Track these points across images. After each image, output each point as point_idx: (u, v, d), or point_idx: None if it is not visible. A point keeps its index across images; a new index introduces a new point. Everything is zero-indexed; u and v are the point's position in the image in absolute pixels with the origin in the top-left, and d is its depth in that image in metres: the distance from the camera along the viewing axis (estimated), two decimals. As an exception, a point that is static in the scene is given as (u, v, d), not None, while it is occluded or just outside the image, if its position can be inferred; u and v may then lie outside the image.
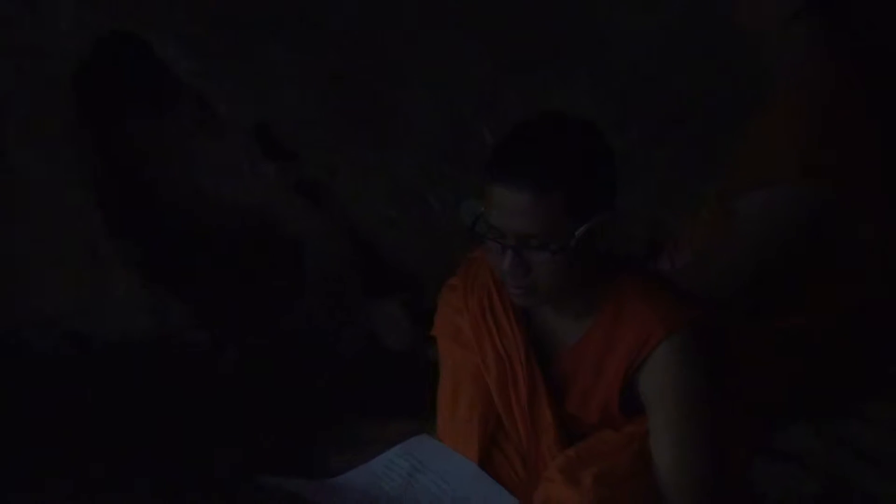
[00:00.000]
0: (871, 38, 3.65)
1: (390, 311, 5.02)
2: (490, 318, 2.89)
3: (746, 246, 3.45)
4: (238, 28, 5.14)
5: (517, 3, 4.82)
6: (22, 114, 5.35)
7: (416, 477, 2.86)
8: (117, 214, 5.36)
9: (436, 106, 5.05)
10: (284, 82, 5.19)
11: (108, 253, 5.29)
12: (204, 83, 5.25)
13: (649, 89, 4.60)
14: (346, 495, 2.83)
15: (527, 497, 2.81)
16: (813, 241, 3.41)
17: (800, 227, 3.41)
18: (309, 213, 5.31)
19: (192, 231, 5.48)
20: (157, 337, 5.21)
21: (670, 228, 3.90)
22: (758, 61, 3.72)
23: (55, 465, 4.34)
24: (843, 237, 3.42)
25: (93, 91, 5.33)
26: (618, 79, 4.67)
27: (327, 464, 3.61)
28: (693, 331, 2.78)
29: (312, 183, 5.32)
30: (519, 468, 2.85)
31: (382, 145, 5.17)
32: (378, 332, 5.04)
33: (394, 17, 4.99)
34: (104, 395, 4.85)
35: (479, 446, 2.86)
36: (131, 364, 5.10)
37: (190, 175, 5.48)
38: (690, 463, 2.78)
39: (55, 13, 5.22)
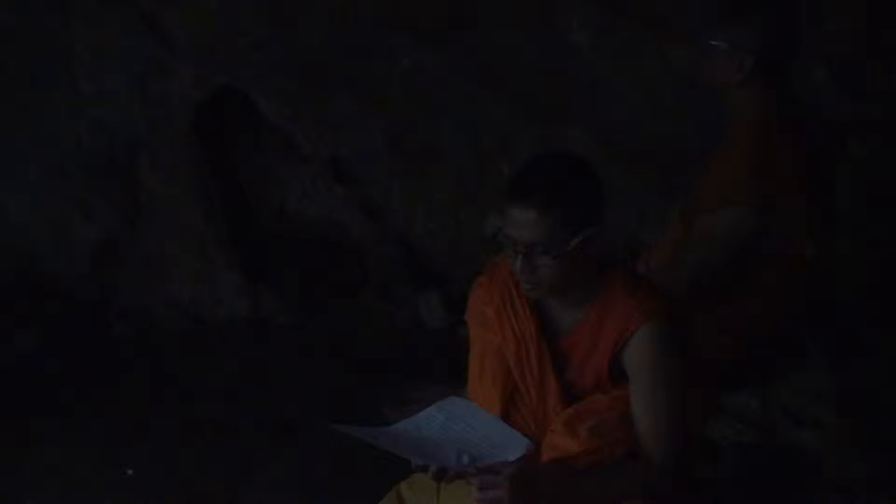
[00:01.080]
0: (797, 96, 3.63)
1: (430, 300, 5.02)
2: (509, 308, 2.90)
3: (701, 254, 3.47)
4: (317, 84, 5.16)
5: (528, 70, 4.82)
6: (154, 149, 5.36)
7: (449, 425, 2.85)
8: (224, 226, 5.38)
9: (466, 145, 5.07)
10: (352, 126, 5.21)
11: (217, 255, 5.30)
12: (291, 125, 5.27)
13: (628, 134, 4.59)
14: (396, 439, 2.82)
15: (536, 446, 2.81)
16: (750, 249, 3.43)
17: (741, 241, 3.43)
18: (368, 226, 5.31)
19: (281, 238, 5.49)
20: (253, 318, 5.23)
21: (644, 240, 3.88)
22: (714, 112, 3.70)
23: (171, 408, 4.42)
24: (771, 244, 3.43)
25: (207, 131, 5.35)
26: (604, 126, 4.66)
27: (383, 416, 3.60)
28: (664, 318, 2.79)
29: (371, 202, 5.32)
30: (531, 423, 2.84)
31: (424, 174, 5.18)
32: (421, 316, 5.03)
33: (436, 80, 5.00)
34: (213, 358, 4.90)
35: (501, 406, 2.86)
36: (233, 337, 5.13)
37: (279, 196, 5.49)
38: (662, 418, 2.79)
39: (180, 72, 5.24)
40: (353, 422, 2.91)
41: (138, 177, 5.43)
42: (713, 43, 3.52)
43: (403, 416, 2.98)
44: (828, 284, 3.62)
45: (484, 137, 5.04)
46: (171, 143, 5.36)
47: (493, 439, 2.80)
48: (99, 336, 5.14)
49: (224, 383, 4.61)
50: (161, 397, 4.53)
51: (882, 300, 3.92)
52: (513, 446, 2.78)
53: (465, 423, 2.85)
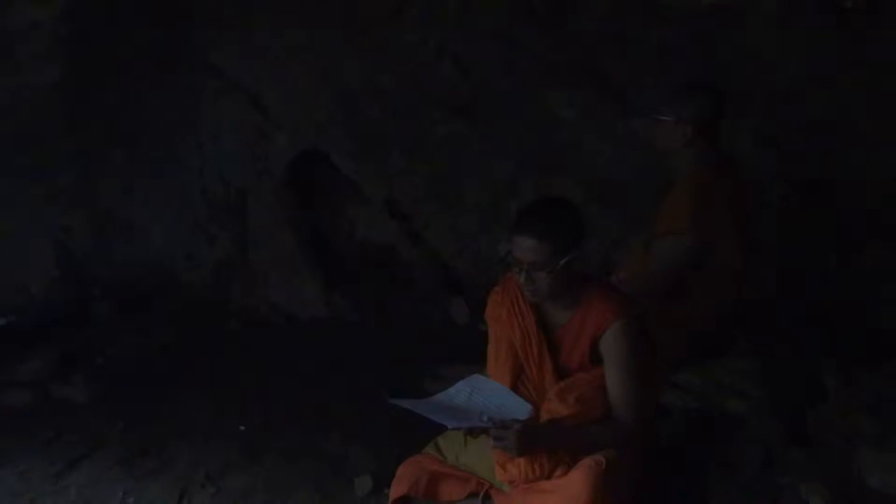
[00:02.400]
0: (727, 153, 3.63)
1: (459, 303, 5.01)
2: (517, 310, 2.92)
3: (657, 270, 3.48)
4: (376, 147, 5.18)
5: (530, 136, 4.83)
6: (258, 193, 5.39)
7: (473, 396, 2.86)
8: (309, 250, 5.39)
9: (484, 190, 5.08)
10: (401, 176, 5.22)
11: (303, 270, 5.30)
12: (357, 175, 5.28)
13: (603, 183, 4.59)
14: (434, 407, 2.83)
15: (537, 410, 2.82)
16: (693, 266, 3.42)
17: (686, 259, 3.44)
18: (412, 249, 5.31)
19: (349, 258, 5.50)
20: (329, 316, 5.23)
21: (614, 260, 3.88)
22: (666, 167, 3.71)
23: (270, 380, 4.42)
24: (710, 262, 3.43)
25: (297, 181, 5.38)
26: (586, 177, 4.66)
27: (424, 390, 3.61)
28: (630, 317, 2.82)
29: (415, 232, 5.33)
30: (532, 393, 2.85)
31: (453, 212, 5.18)
32: (451, 316, 5.02)
33: (462, 143, 5.01)
34: (301, 345, 4.88)
35: (511, 381, 2.88)
36: (315, 329, 5.12)
37: (349, 227, 5.51)
38: (629, 390, 2.80)
39: (277, 139, 5.27)
40: (404, 394, 2.94)
41: (247, 213, 5.46)
42: (663, 117, 3.53)
43: (439, 389, 3.01)
44: (751, 291, 3.60)
45: (497, 184, 5.04)
46: (271, 190, 5.38)
47: (505, 405, 2.82)
48: (218, 329, 5.16)
49: (308, 363, 4.59)
50: (264, 372, 4.53)
51: (790, 302, 3.90)
52: (519, 410, 2.80)
53: (484, 393, 2.87)
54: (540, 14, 4.56)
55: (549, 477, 2.79)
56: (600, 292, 2.88)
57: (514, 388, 2.87)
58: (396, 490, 2.94)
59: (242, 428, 3.92)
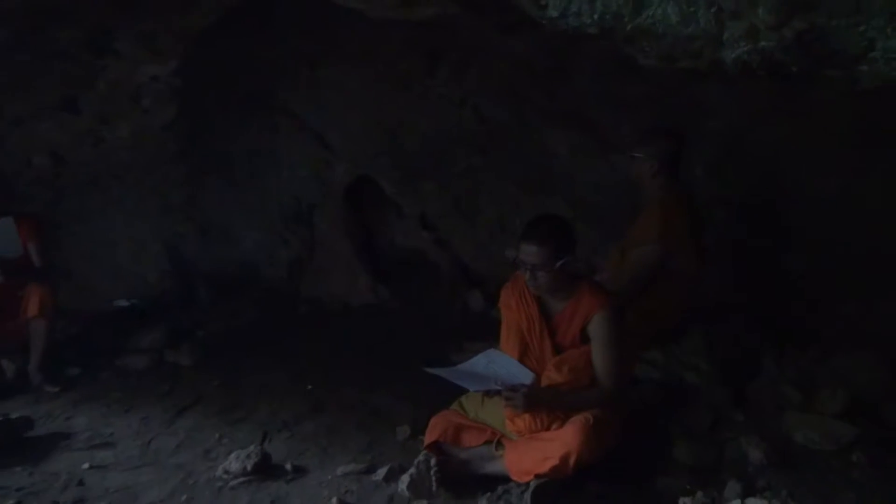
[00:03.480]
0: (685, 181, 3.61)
1: (475, 294, 5.00)
2: (523, 300, 2.92)
3: (631, 272, 3.46)
4: (413, 174, 5.18)
5: (531, 167, 4.82)
6: (323, 209, 5.40)
7: (489, 366, 2.85)
8: (361, 252, 5.39)
9: (495, 208, 5.08)
10: (431, 197, 5.22)
11: (356, 268, 5.30)
12: (398, 197, 5.30)
13: (589, 204, 4.57)
14: (459, 374, 2.83)
15: (538, 377, 2.81)
16: (659, 268, 3.40)
17: (655, 263, 3.42)
18: (440, 253, 5.30)
19: (392, 259, 5.49)
20: (376, 304, 5.21)
21: (594, 263, 3.86)
22: (637, 193, 3.69)
23: (332, 352, 4.38)
24: (672, 266, 3.40)
25: (352, 199, 5.38)
26: (575, 199, 4.64)
27: (450, 360, 3.59)
28: (610, 307, 2.82)
29: (442, 240, 5.31)
30: (535, 364, 2.85)
31: (471, 224, 5.18)
32: (469, 304, 5.00)
33: (479, 172, 5.00)
34: (354, 326, 4.86)
35: (518, 355, 2.87)
36: (365, 314, 5.09)
37: (391, 235, 5.51)
38: (610, 364, 2.80)
39: (336, 167, 5.26)
40: (435, 363, 2.94)
41: (313, 224, 5.46)
42: (636, 154, 3.53)
43: (462, 360, 3.00)
44: (705, 288, 3.58)
45: (505, 204, 5.02)
46: (332, 205, 5.39)
47: (514, 373, 2.82)
48: (291, 313, 5.15)
49: (360, 339, 4.58)
50: (325, 346, 4.52)
51: (734, 297, 3.88)
52: (525, 377, 2.80)
53: (498, 363, 2.87)
54: (540, 75, 4.54)
55: (548, 429, 2.79)
56: (588, 288, 2.87)
57: (521, 360, 2.87)
58: (429, 437, 2.95)
59: (310, 387, 3.92)
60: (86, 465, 3.20)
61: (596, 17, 1.72)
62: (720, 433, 3.04)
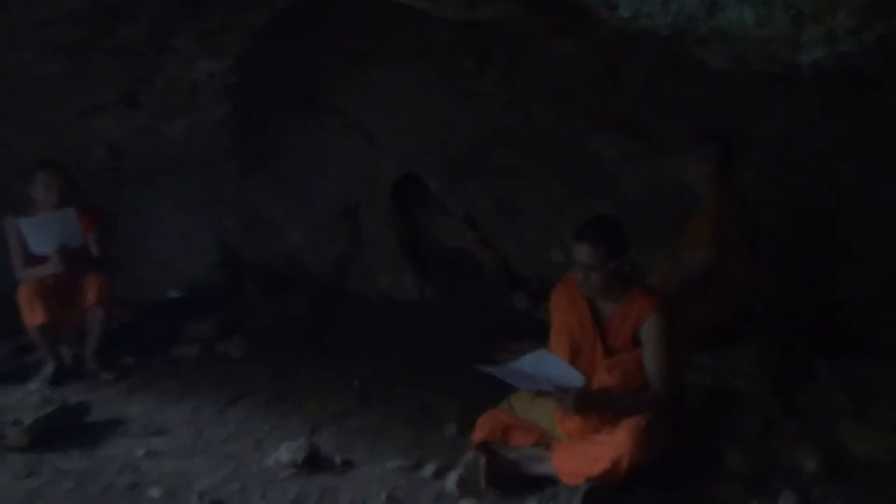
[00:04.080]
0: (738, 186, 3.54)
1: (519, 294, 4.95)
2: (573, 302, 2.88)
3: (682, 275, 3.40)
4: (458, 174, 5.14)
5: (580, 169, 4.75)
6: (369, 206, 5.40)
7: (539, 367, 2.82)
8: (407, 248, 5.38)
9: (541, 208, 5.00)
10: (476, 196, 5.17)
11: (402, 265, 5.30)
12: (443, 195, 5.25)
13: (636, 206, 4.49)
14: (509, 372, 2.81)
15: (588, 380, 2.77)
16: (710, 273, 3.34)
17: (707, 267, 3.36)
18: (485, 252, 5.26)
19: (436, 257, 5.47)
20: (421, 300, 5.21)
21: (648, 266, 3.80)
22: (686, 194, 3.63)
23: (378, 346, 4.39)
24: (723, 270, 3.34)
25: (399, 197, 5.37)
26: (623, 201, 4.55)
27: (495, 360, 3.58)
28: (662, 311, 2.77)
29: (486, 239, 5.27)
30: (586, 367, 2.80)
31: (516, 224, 5.11)
32: (513, 304, 4.96)
33: (525, 172, 4.96)
34: (400, 321, 4.88)
35: (569, 357, 2.83)
36: (410, 310, 5.10)
37: (436, 233, 5.48)
38: (661, 368, 2.75)
39: (384, 165, 5.26)
40: (484, 362, 2.92)
41: (360, 220, 5.46)
42: (688, 158, 3.49)
43: (508, 360, 2.97)
44: (757, 293, 3.52)
45: (551, 205, 4.95)
46: (379, 203, 5.37)
47: (564, 375, 2.78)
48: (338, 307, 5.16)
49: (405, 335, 4.59)
50: (371, 341, 4.52)
51: (787, 303, 3.79)
52: (575, 379, 2.77)
53: (548, 364, 2.83)
54: (590, 77, 4.48)
55: (598, 431, 2.75)
56: (640, 291, 2.83)
57: (571, 362, 2.82)
58: (478, 435, 2.93)
59: (356, 382, 3.92)
60: (140, 452, 3.24)
61: (669, 18, 1.68)
62: (772, 441, 2.96)
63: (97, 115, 4.43)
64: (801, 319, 3.64)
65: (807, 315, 3.66)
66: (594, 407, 2.74)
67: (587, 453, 2.68)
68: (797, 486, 2.70)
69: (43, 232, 3.83)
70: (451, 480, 2.81)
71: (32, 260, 3.93)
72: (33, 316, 3.84)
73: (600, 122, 4.59)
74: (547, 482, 2.79)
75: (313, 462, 3.05)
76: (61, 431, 3.33)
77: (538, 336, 3.09)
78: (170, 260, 5.23)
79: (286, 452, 3.07)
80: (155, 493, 2.90)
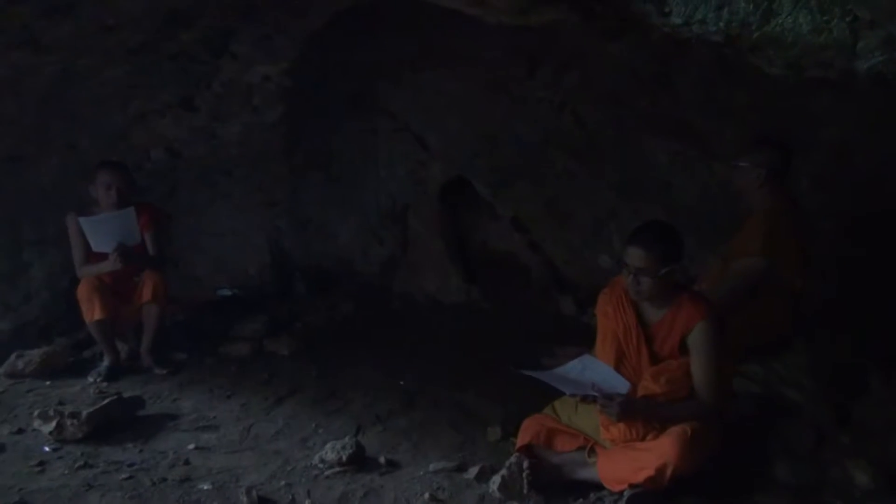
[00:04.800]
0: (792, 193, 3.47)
1: (566, 299, 4.93)
2: (621, 307, 2.86)
3: (733, 283, 3.34)
4: (508, 176, 5.13)
5: (629, 174, 4.73)
6: (417, 208, 5.42)
7: (584, 372, 2.80)
8: (454, 252, 5.39)
9: (590, 212, 4.98)
10: (525, 200, 5.15)
11: (449, 267, 5.31)
12: (492, 198, 5.23)
13: (687, 211, 4.43)
14: (554, 377, 2.79)
15: (634, 387, 2.75)
16: (761, 280, 3.28)
17: (758, 275, 3.30)
18: (532, 256, 5.22)
19: (484, 259, 5.46)
20: (467, 303, 5.22)
21: (696, 273, 3.74)
22: (737, 200, 3.58)
23: (423, 347, 4.39)
24: (775, 279, 3.28)
25: (447, 199, 5.39)
26: (673, 206, 4.50)
27: (541, 364, 3.57)
28: (711, 318, 2.73)
29: (534, 243, 5.24)
30: (631, 373, 2.79)
31: (564, 228, 5.08)
32: (561, 309, 4.93)
33: (576, 176, 4.93)
34: (446, 323, 4.90)
35: (614, 363, 2.81)
36: (456, 312, 5.11)
37: (483, 237, 5.47)
38: (709, 376, 2.72)
39: (433, 168, 5.29)
40: (529, 366, 2.91)
41: (408, 223, 5.49)
42: (742, 163, 3.42)
43: (553, 365, 2.96)
44: (809, 302, 3.43)
45: (600, 210, 4.93)
46: (427, 205, 5.40)
47: (609, 381, 2.76)
48: (385, 308, 5.21)
49: (451, 337, 4.61)
50: (418, 342, 4.55)
51: (839, 313, 3.69)
52: (620, 386, 2.74)
53: (593, 370, 2.81)
54: (642, 80, 4.44)
55: (643, 439, 2.73)
56: (689, 297, 2.79)
57: (617, 368, 2.81)
58: (522, 439, 2.93)
59: (402, 383, 3.95)
60: (191, 446, 3.32)
61: (722, 24, 1.67)
62: (823, 453, 2.90)
63: (156, 118, 4.56)
64: (855, 329, 3.54)
65: (860, 324, 3.56)
66: (639, 414, 2.72)
67: (631, 460, 2.66)
68: (848, 501, 2.64)
69: (103, 230, 3.93)
70: (494, 483, 2.82)
71: (92, 257, 4.05)
72: (92, 312, 3.96)
73: (652, 126, 4.55)
74: (590, 488, 2.78)
75: (358, 461, 3.09)
76: (116, 424, 3.43)
77: (585, 341, 3.06)
78: (222, 259, 5.34)
79: (332, 451, 3.11)
80: (205, 486, 2.97)
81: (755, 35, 1.67)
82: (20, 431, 3.43)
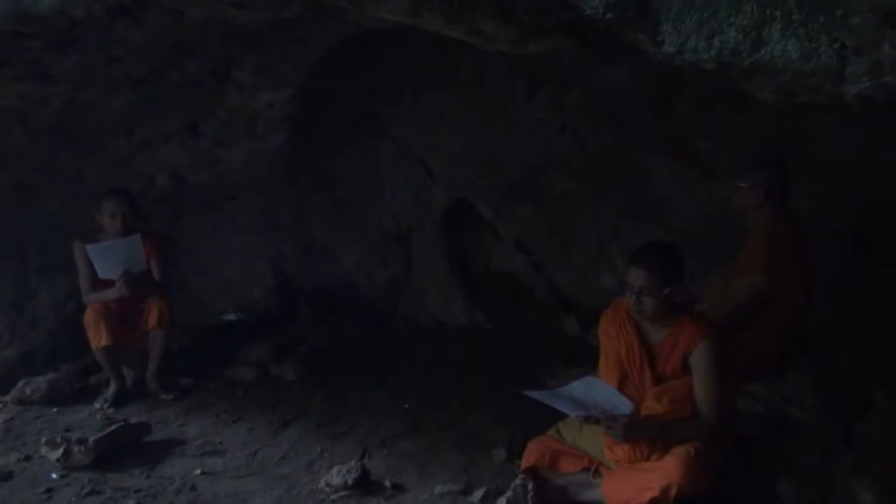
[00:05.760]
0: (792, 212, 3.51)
1: (570, 319, 4.94)
2: (623, 328, 2.88)
3: (734, 303, 3.37)
4: (510, 198, 5.17)
5: (631, 194, 4.76)
6: (421, 230, 5.44)
7: (588, 393, 2.84)
8: (457, 274, 5.41)
9: (592, 232, 5.00)
10: (527, 222, 5.18)
11: (452, 289, 5.32)
12: (494, 220, 5.27)
13: (687, 231, 4.46)
14: (557, 398, 2.82)
15: (637, 408, 2.77)
16: (764, 300, 3.31)
17: (759, 294, 3.33)
18: (535, 277, 5.23)
19: (487, 281, 5.49)
20: (470, 324, 5.22)
21: (698, 292, 3.76)
22: (740, 222, 3.61)
23: (427, 369, 4.40)
24: (776, 298, 3.31)
25: (450, 221, 5.42)
26: (673, 226, 4.54)
27: (545, 385, 3.59)
28: (713, 338, 2.76)
29: (537, 264, 5.25)
30: (634, 394, 2.81)
31: (566, 249, 5.10)
32: (564, 329, 4.95)
33: (577, 197, 4.97)
34: (450, 345, 4.91)
35: (617, 384, 2.84)
36: (460, 334, 5.12)
37: (486, 258, 5.50)
38: (712, 395, 2.74)
39: (435, 191, 5.33)
40: (532, 387, 2.94)
41: (412, 245, 5.52)
42: (740, 184, 3.45)
43: (557, 385, 2.99)
44: (811, 320, 3.46)
45: (602, 229, 4.95)
46: (430, 227, 5.42)
47: (613, 402, 2.79)
48: (389, 331, 5.23)
49: (455, 359, 4.61)
50: (422, 365, 4.57)
51: (840, 331, 3.72)
52: (624, 406, 2.77)
53: (597, 391, 2.84)
54: (641, 102, 4.50)
55: (647, 459, 2.75)
56: (690, 317, 2.83)
57: (620, 388, 2.83)
58: (527, 461, 2.95)
59: (407, 406, 3.97)
60: (197, 471, 3.35)
61: (713, 53, 1.72)
62: (827, 472, 2.91)
63: (162, 144, 4.63)
64: (857, 347, 3.56)
65: (862, 342, 3.58)
66: (643, 434, 2.74)
67: (636, 481, 2.68)
68: (853, 520, 2.65)
69: (109, 258, 3.98)
70: (499, 505, 2.84)
71: (98, 284, 4.09)
72: (98, 338, 4.00)
73: (652, 147, 4.61)
74: (595, 509, 2.79)
75: (364, 485, 3.11)
76: (123, 450, 3.46)
77: (590, 362, 3.08)
78: (227, 283, 5.37)
79: (338, 475, 3.13)
80: (211, 512, 3.00)
81: (746, 63, 1.72)
82: (28, 458, 3.46)
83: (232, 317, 5.26)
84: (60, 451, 3.34)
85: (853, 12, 1.58)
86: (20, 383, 4.11)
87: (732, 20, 1.73)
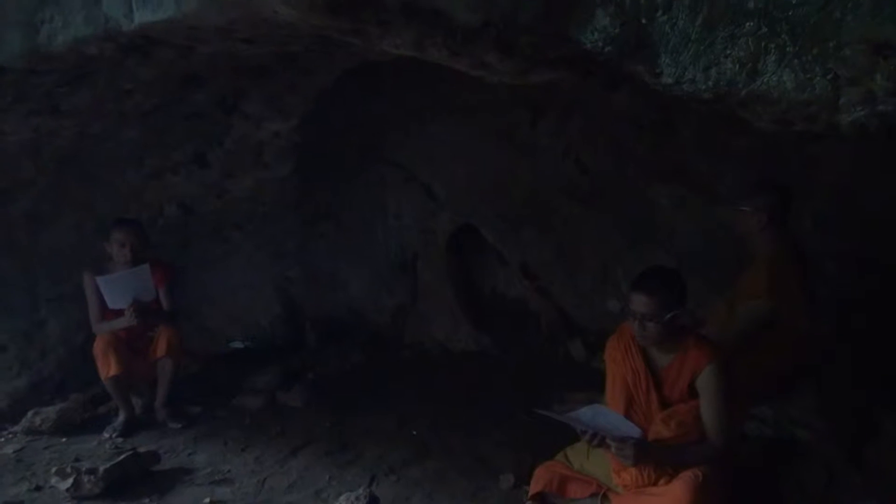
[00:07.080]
0: (794, 235, 3.53)
1: (576, 343, 4.97)
2: (629, 353, 2.90)
3: (740, 326, 3.38)
4: (515, 223, 5.22)
5: (635, 219, 4.79)
6: (426, 256, 5.48)
7: (595, 418, 2.85)
8: (463, 299, 5.45)
9: (597, 257, 5.03)
10: (532, 246, 5.22)
11: (459, 314, 5.35)
12: (499, 245, 5.31)
13: (690, 255, 4.50)
14: (567, 419, 2.84)
15: (645, 432, 2.79)
16: (767, 324, 3.32)
17: (763, 318, 3.33)
18: (541, 302, 5.28)
19: (493, 306, 5.52)
20: (477, 350, 5.27)
21: (701, 316, 3.79)
22: (743, 246, 3.63)
23: (433, 395, 4.42)
24: (781, 321, 3.32)
25: (455, 247, 5.46)
26: (676, 250, 4.58)
27: (552, 410, 3.59)
28: (719, 361, 2.77)
29: (543, 288, 5.30)
30: (641, 419, 2.82)
31: (573, 273, 5.13)
32: (570, 353, 4.97)
33: (582, 222, 5.01)
34: (456, 370, 4.94)
35: (624, 409, 2.85)
36: (466, 360, 5.16)
37: (492, 283, 5.54)
38: (719, 419, 2.75)
39: (440, 216, 5.37)
40: (541, 408, 2.96)
41: (417, 271, 5.56)
42: (743, 207, 3.48)
43: (565, 410, 3.00)
44: (816, 343, 3.48)
45: (607, 253, 4.99)
46: (436, 254, 5.47)
47: (620, 427, 2.79)
48: (395, 356, 5.27)
49: (462, 385, 4.64)
50: (429, 391, 4.59)
51: (845, 353, 3.73)
52: (631, 431, 2.77)
53: (604, 417, 2.85)
54: (644, 127, 4.56)
55: (655, 483, 2.76)
56: (696, 341, 2.84)
57: (627, 413, 2.84)
58: (534, 487, 2.96)
59: (415, 432, 3.99)
60: (206, 500, 3.36)
61: (710, 83, 1.78)
62: (835, 495, 2.92)
63: (170, 175, 4.70)
64: (862, 369, 3.57)
65: (867, 365, 3.60)
66: (653, 458, 2.75)
67: (644, 505, 2.69)
68: (862, 542, 2.65)
69: (119, 288, 4.03)
70: (508, 532, 2.85)
71: (108, 314, 4.14)
72: (108, 368, 4.03)
73: (655, 172, 4.65)
74: (604, 534, 2.80)
75: (373, 512, 3.13)
76: (132, 479, 3.49)
77: (597, 386, 3.10)
78: (235, 312, 5.42)
79: (346, 502, 3.14)
80: (221, 540, 3.01)
81: (742, 93, 1.77)
82: (38, 489, 3.49)
83: (239, 344, 5.30)
84: (70, 480, 3.36)
85: (845, 44, 1.63)
86: (30, 413, 4.15)
87: (729, 52, 1.79)
